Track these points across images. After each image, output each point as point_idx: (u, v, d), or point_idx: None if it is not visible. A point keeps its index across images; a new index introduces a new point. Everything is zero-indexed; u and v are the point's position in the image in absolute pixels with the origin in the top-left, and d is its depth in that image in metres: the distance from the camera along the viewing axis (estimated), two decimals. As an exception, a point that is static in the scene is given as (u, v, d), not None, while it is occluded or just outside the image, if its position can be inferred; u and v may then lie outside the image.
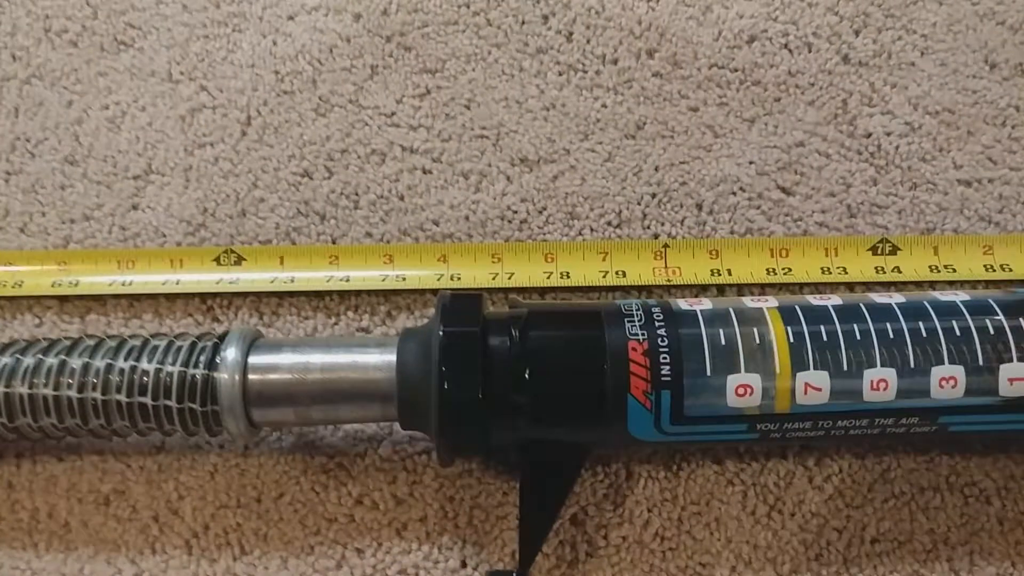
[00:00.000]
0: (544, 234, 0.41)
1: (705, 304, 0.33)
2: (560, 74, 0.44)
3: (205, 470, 0.37)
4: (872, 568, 0.35)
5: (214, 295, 0.40)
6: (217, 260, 0.40)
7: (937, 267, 0.39)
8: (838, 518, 0.36)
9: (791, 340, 0.31)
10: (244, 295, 0.40)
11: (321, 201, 0.42)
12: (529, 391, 0.31)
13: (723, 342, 0.31)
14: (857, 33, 0.45)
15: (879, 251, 0.40)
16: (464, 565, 0.35)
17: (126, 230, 0.42)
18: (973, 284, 0.40)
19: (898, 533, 0.35)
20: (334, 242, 0.41)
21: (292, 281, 0.40)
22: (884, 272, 0.39)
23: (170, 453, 0.37)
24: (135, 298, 0.40)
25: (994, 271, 0.39)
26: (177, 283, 0.40)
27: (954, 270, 0.39)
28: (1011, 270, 0.39)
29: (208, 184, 0.42)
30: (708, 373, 0.31)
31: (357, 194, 0.42)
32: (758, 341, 0.31)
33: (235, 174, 0.42)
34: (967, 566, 0.35)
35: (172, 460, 0.37)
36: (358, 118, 0.43)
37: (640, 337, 0.31)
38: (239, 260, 0.40)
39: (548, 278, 0.40)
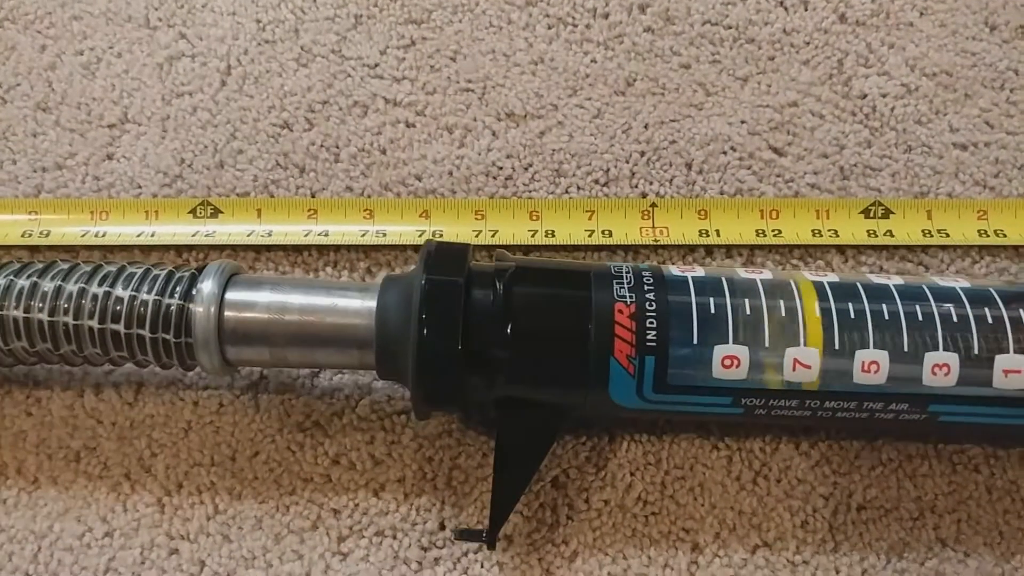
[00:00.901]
0: (530, 191, 0.40)
1: (698, 271, 0.32)
2: (549, 27, 0.43)
3: (179, 427, 0.36)
4: (858, 535, 0.34)
5: (190, 248, 0.39)
6: (193, 212, 0.39)
7: (930, 231, 0.39)
8: (824, 485, 0.35)
9: (783, 314, 0.30)
10: (220, 248, 0.39)
11: (301, 153, 0.41)
12: (509, 347, 0.30)
13: (712, 311, 0.30)
14: (855, -9, 0.43)
15: (871, 214, 0.39)
16: (443, 527, 0.35)
17: (100, 180, 0.40)
18: (966, 249, 0.39)
19: (884, 500, 0.35)
20: (313, 196, 0.40)
21: (270, 235, 0.39)
22: (876, 236, 0.39)
23: (143, 409, 0.36)
24: (108, 250, 0.39)
25: (988, 236, 0.38)
26: (152, 235, 0.39)
27: (947, 235, 0.38)
28: (1005, 235, 0.38)
29: (185, 134, 0.41)
30: (695, 342, 0.30)
31: (338, 147, 0.41)
32: (748, 312, 0.30)
33: (213, 124, 0.41)
34: (954, 534, 0.34)
35: (145, 416, 0.36)
36: (340, 69, 0.42)
37: (627, 300, 0.30)
38: (216, 212, 0.39)
39: (533, 236, 0.39)
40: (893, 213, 0.39)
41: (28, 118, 0.41)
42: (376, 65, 0.42)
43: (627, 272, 0.31)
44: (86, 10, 0.43)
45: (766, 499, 0.35)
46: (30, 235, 0.39)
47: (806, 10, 0.43)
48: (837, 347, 0.30)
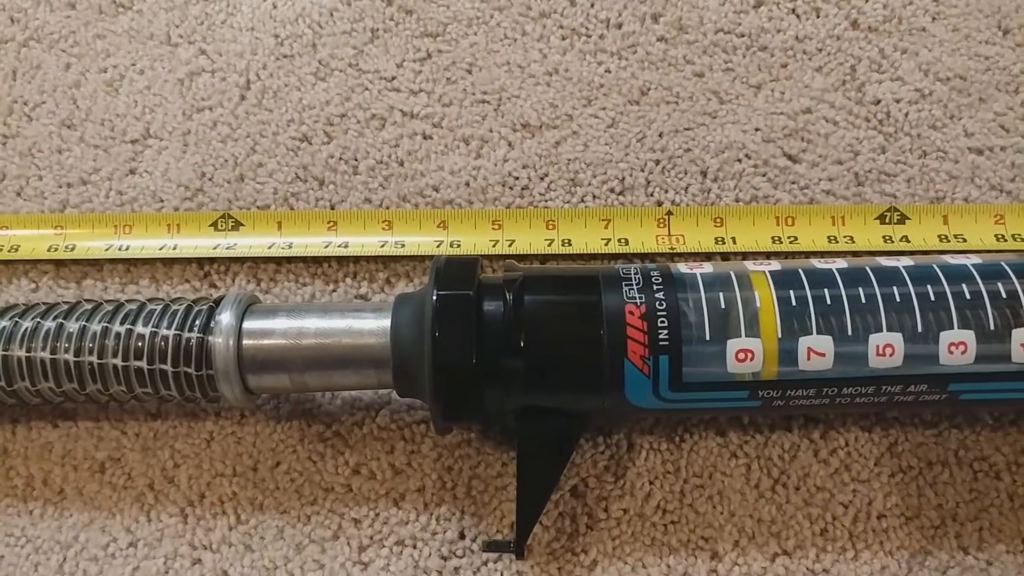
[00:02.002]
0: (546, 201, 0.40)
1: (705, 268, 0.32)
2: (563, 38, 0.43)
3: (201, 438, 0.37)
4: (879, 544, 0.34)
5: (211, 260, 0.40)
6: (214, 225, 0.40)
7: (947, 236, 0.38)
8: (844, 492, 0.35)
9: (794, 304, 0.30)
10: (241, 261, 0.40)
11: (320, 166, 0.41)
12: (524, 356, 0.30)
13: (723, 306, 0.30)
14: (868, -2, 0.44)
15: (887, 220, 0.39)
16: (462, 536, 0.35)
17: (123, 195, 0.41)
18: (984, 255, 0.39)
19: (905, 508, 0.35)
20: (332, 208, 0.40)
21: (290, 247, 0.39)
22: (892, 241, 0.39)
23: (166, 420, 0.37)
24: (132, 263, 0.40)
25: (1005, 240, 0.38)
26: (174, 248, 0.39)
27: (964, 240, 0.38)
28: (1023, 240, 0.38)
29: (206, 148, 0.42)
30: (707, 338, 0.30)
31: (356, 159, 0.41)
32: (759, 305, 0.30)
33: (233, 138, 0.42)
34: (976, 542, 0.34)
35: (168, 427, 0.37)
36: (358, 82, 0.43)
37: (638, 301, 0.30)
38: (237, 225, 0.40)
39: (549, 245, 0.39)
40: (909, 219, 0.39)
41: (53, 135, 0.42)
42: (393, 78, 0.43)
43: (635, 273, 0.32)
44: (109, 29, 0.44)
45: (785, 507, 0.35)
46: (56, 249, 0.39)
47: (818, 17, 0.43)
48: (850, 333, 0.30)
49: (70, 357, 0.33)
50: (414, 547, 0.35)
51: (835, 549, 0.34)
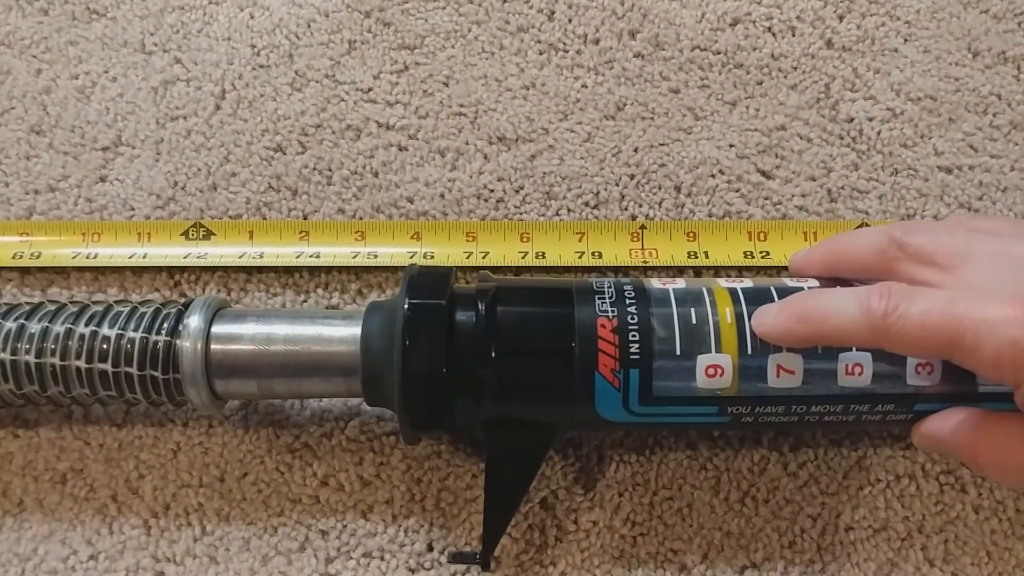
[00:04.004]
0: (521, 213, 0.40)
1: (678, 284, 0.32)
2: (541, 53, 0.43)
3: (168, 448, 0.36)
4: (846, 556, 0.34)
5: (182, 270, 0.39)
6: (186, 234, 0.39)
7: (917, 254, 0.39)
8: (812, 505, 0.35)
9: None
10: (212, 270, 0.39)
11: (293, 176, 0.41)
12: (495, 367, 0.30)
13: (694, 322, 0.30)
14: (841, 18, 0.44)
15: (859, 236, 0.39)
16: (430, 548, 0.35)
17: (92, 202, 0.41)
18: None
19: (873, 521, 0.35)
20: (305, 218, 0.40)
21: (261, 257, 0.39)
22: (864, 258, 0.39)
23: (132, 430, 0.36)
24: (100, 271, 0.39)
25: (974, 258, 0.39)
26: (144, 257, 0.39)
27: (934, 257, 0.39)
28: (991, 258, 0.39)
29: (179, 157, 0.41)
30: (678, 353, 0.30)
31: (330, 169, 0.41)
32: (730, 321, 0.30)
33: (207, 147, 0.42)
34: (941, 555, 0.34)
35: (134, 438, 0.36)
36: (334, 93, 0.43)
37: (610, 314, 0.30)
38: (208, 234, 0.39)
39: (523, 258, 0.39)
40: (880, 235, 0.39)
41: (22, 141, 0.42)
42: (370, 89, 0.43)
43: (609, 287, 0.32)
44: (82, 35, 0.44)
45: (754, 519, 0.35)
46: (21, 256, 0.39)
47: (794, 36, 0.44)
48: (820, 351, 0.30)
49: (31, 359, 0.32)
50: (381, 559, 0.34)
51: (803, 562, 0.34)
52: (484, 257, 0.39)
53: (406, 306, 0.30)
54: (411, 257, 0.39)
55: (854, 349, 0.30)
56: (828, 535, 0.35)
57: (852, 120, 0.42)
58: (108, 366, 0.32)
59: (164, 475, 0.36)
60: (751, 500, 0.35)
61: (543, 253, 0.39)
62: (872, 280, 0.30)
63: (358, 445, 0.36)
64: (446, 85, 0.43)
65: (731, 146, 0.42)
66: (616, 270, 0.39)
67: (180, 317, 0.33)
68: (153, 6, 0.44)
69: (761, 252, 0.39)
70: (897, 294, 0.27)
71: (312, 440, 0.36)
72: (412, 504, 0.35)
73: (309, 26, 0.44)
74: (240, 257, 0.39)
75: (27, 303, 0.34)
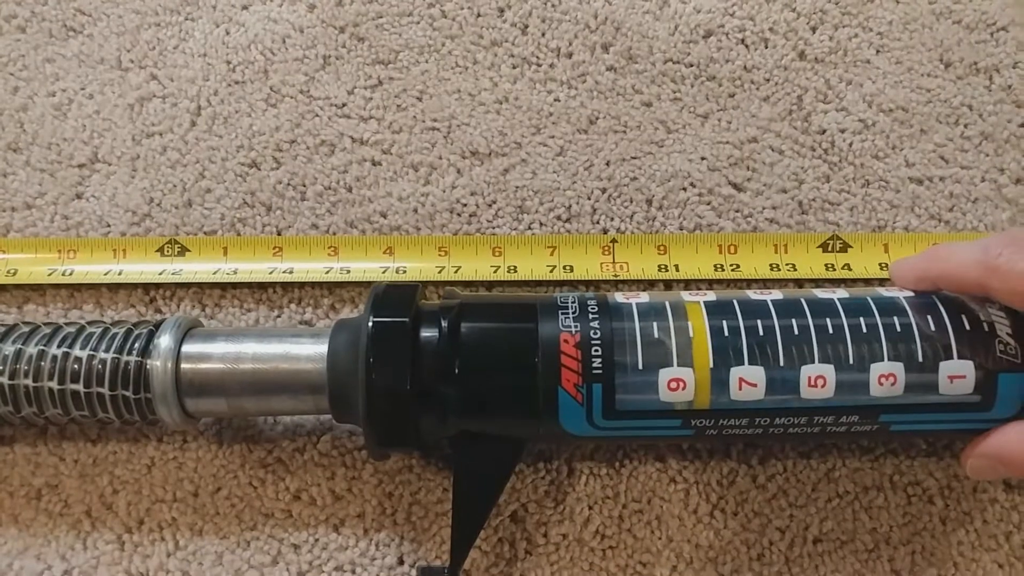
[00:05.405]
0: (493, 228, 0.41)
1: (642, 298, 0.32)
2: (514, 67, 0.44)
3: (142, 463, 0.36)
4: (814, 568, 0.34)
5: (157, 286, 0.40)
6: (161, 251, 0.40)
7: (887, 264, 0.39)
8: (781, 517, 0.35)
9: (727, 334, 0.30)
10: (187, 286, 0.40)
11: (268, 192, 0.41)
12: (459, 384, 0.30)
13: (656, 335, 0.30)
14: (814, 30, 0.44)
15: (829, 248, 0.40)
16: (401, 562, 0.35)
17: (68, 219, 0.41)
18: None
19: (841, 533, 0.35)
20: (279, 233, 0.41)
21: (235, 272, 0.39)
22: (834, 269, 0.39)
23: (106, 446, 0.37)
24: (76, 288, 0.40)
25: (944, 270, 0.39)
26: (119, 274, 0.39)
27: (904, 268, 0.39)
28: (961, 269, 0.39)
29: (155, 174, 0.42)
30: (640, 367, 0.30)
31: (304, 185, 0.41)
32: (691, 335, 0.30)
33: (183, 164, 0.42)
34: (908, 566, 0.34)
35: (108, 453, 0.37)
36: (308, 109, 0.43)
37: (573, 329, 0.31)
38: (183, 251, 0.40)
39: (495, 272, 0.39)
40: (851, 247, 0.40)
41: None
42: (344, 105, 0.43)
43: (573, 302, 0.32)
44: (59, 52, 0.44)
45: (723, 532, 0.35)
46: (-3, 273, 0.39)
47: (766, 48, 0.44)
48: (783, 363, 0.30)
49: (4, 380, 0.32)
50: (353, 573, 0.35)
51: (771, 574, 0.34)
52: (456, 272, 0.39)
53: (370, 324, 0.31)
54: (383, 272, 0.39)
55: (816, 361, 0.30)
56: (796, 547, 0.35)
57: (824, 132, 0.42)
58: (80, 386, 0.32)
59: (138, 490, 0.36)
60: (720, 512, 0.35)
61: (515, 267, 0.39)
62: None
63: (330, 460, 0.36)
64: (420, 100, 0.43)
65: (703, 159, 0.42)
66: (587, 284, 0.39)
67: (151, 337, 0.33)
68: (129, 23, 0.45)
69: (731, 265, 0.39)
70: (1018, 242, 0.29)
71: (285, 455, 0.36)
72: (383, 518, 0.35)
73: (284, 42, 0.44)
74: (214, 273, 0.39)
75: (1, 324, 0.34)
